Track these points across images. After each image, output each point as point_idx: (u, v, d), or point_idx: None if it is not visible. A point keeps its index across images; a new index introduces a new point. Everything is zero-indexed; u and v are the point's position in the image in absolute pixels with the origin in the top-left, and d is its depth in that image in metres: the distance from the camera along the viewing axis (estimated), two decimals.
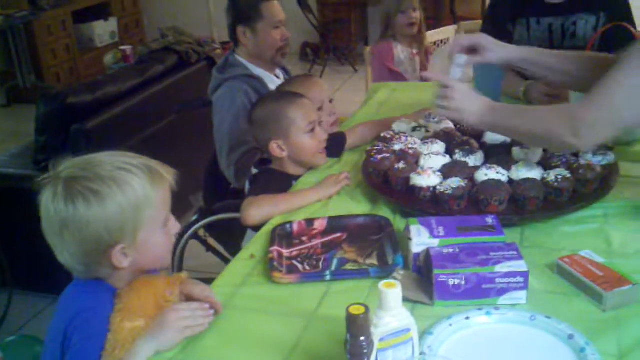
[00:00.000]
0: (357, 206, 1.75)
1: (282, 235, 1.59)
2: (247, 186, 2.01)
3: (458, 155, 1.79)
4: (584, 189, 1.62)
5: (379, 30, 3.62)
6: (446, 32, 3.83)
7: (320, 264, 1.47)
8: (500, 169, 1.66)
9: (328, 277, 1.42)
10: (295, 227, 1.62)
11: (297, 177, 1.95)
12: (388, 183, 1.75)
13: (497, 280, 1.27)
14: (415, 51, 3.48)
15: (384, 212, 1.69)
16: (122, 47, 5.38)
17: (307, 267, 1.47)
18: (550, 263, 1.40)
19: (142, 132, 3.35)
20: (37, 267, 2.23)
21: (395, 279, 1.22)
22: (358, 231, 1.60)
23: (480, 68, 2.31)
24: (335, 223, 1.63)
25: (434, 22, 5.43)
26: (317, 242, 1.56)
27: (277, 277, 1.42)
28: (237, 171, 2.40)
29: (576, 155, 1.72)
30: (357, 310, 0.98)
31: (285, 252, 1.53)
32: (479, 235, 1.40)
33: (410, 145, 1.86)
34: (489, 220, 1.46)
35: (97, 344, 1.20)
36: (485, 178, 1.64)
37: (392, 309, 1.01)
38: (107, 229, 1.24)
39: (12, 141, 4.61)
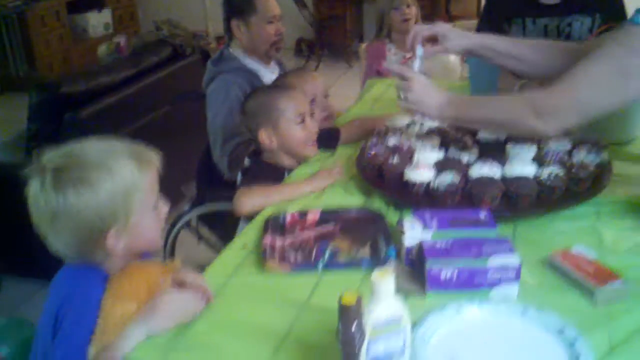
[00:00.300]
0: (350, 198, 1.74)
1: (275, 226, 1.58)
2: (239, 177, 2.02)
3: (452, 151, 1.80)
4: (577, 188, 1.62)
5: (374, 27, 3.62)
6: None
7: (313, 254, 1.47)
8: (494, 166, 1.66)
9: (320, 268, 1.42)
10: (289, 218, 1.62)
11: (288, 169, 1.95)
12: (382, 177, 1.75)
13: (489, 273, 1.27)
14: (408, 55, 3.45)
15: (378, 204, 1.69)
16: (116, 39, 5.36)
17: (300, 258, 1.46)
18: (542, 258, 1.40)
19: (135, 122, 3.33)
20: (28, 252, 2.22)
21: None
22: (351, 223, 1.59)
23: (474, 68, 2.31)
24: (329, 215, 1.62)
25: (429, 21, 5.42)
26: (310, 233, 1.56)
27: (270, 266, 1.42)
28: (231, 162, 2.40)
29: (570, 153, 1.72)
30: (349, 299, 0.98)
31: (278, 242, 1.52)
32: (472, 228, 1.41)
33: (404, 141, 1.86)
34: (482, 215, 1.46)
35: (87, 327, 1.20)
36: (479, 174, 1.64)
37: (384, 298, 1.01)
38: (99, 215, 1.24)
39: (4, 129, 4.57)
